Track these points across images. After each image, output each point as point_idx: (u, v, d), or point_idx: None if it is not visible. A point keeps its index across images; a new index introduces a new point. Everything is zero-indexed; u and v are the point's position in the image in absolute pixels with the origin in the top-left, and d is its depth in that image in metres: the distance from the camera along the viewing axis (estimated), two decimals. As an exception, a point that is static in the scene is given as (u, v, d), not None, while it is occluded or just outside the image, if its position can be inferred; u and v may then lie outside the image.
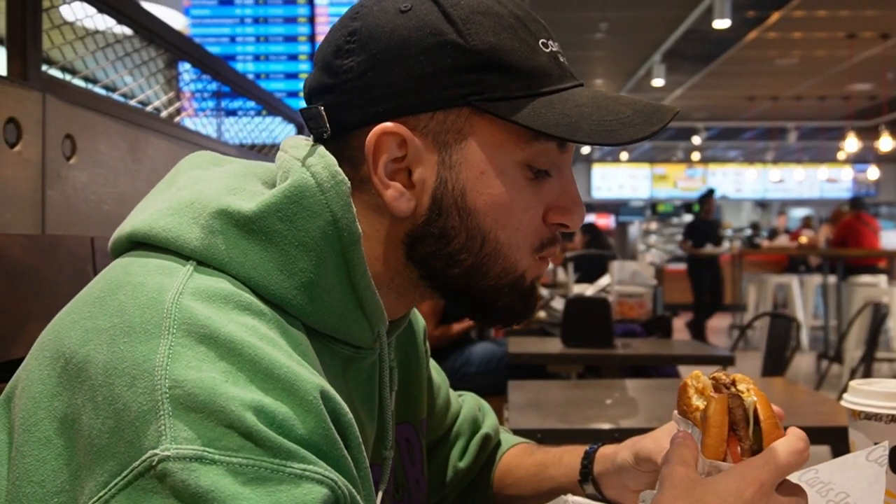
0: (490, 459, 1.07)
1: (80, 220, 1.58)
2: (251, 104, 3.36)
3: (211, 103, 3.04)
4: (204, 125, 2.98)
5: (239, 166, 0.73)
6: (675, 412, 0.75)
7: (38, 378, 0.59)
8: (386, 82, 0.68)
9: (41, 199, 1.45)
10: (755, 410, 0.69)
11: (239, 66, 4.69)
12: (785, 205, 18.05)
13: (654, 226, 17.38)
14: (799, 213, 17.42)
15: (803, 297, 9.09)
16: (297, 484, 0.53)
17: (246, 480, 0.51)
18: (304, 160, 0.68)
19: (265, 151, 3.45)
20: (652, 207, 17.93)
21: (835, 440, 1.79)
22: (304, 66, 4.81)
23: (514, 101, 0.69)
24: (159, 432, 0.52)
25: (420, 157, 0.70)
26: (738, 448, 0.69)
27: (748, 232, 15.28)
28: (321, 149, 0.69)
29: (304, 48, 4.82)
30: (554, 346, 3.06)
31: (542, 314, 3.77)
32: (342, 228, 0.66)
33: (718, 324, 10.98)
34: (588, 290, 4.03)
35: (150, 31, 2.14)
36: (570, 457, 0.98)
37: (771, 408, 0.70)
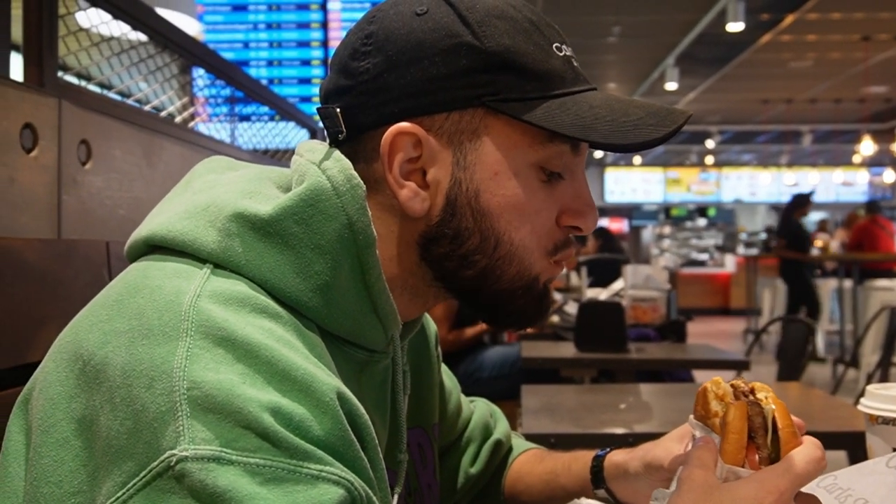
0: (501, 465, 1.07)
1: (95, 224, 1.59)
2: (264, 109, 3.37)
3: (224, 108, 3.06)
4: (217, 130, 2.99)
5: (254, 171, 0.74)
6: (692, 417, 0.75)
7: (56, 379, 0.59)
8: (401, 83, 0.69)
9: (57, 204, 1.46)
10: (773, 418, 0.69)
11: (252, 72, 4.71)
12: (800, 208, 17.92)
13: (667, 230, 17.31)
14: (813, 216, 17.31)
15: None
16: (314, 485, 0.53)
17: (263, 481, 0.52)
18: (319, 163, 0.68)
19: (278, 156, 3.46)
20: (665, 211, 17.86)
21: (851, 445, 1.78)
22: (317, 72, 4.83)
23: (528, 102, 0.69)
24: (177, 433, 0.52)
25: (435, 157, 0.70)
26: (756, 455, 0.69)
27: (763, 236, 15.20)
28: (337, 152, 0.70)
29: (316, 53, 4.84)
30: (567, 350, 3.05)
31: (555, 318, 3.76)
32: (357, 232, 0.67)
33: (732, 328, 10.93)
34: (601, 294, 4.02)
35: (165, 36, 2.16)
36: (579, 465, 0.98)
37: (789, 416, 0.70)
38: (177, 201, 0.70)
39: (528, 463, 1.06)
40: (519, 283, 0.73)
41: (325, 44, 4.84)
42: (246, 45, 4.88)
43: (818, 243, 10.24)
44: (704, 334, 9.22)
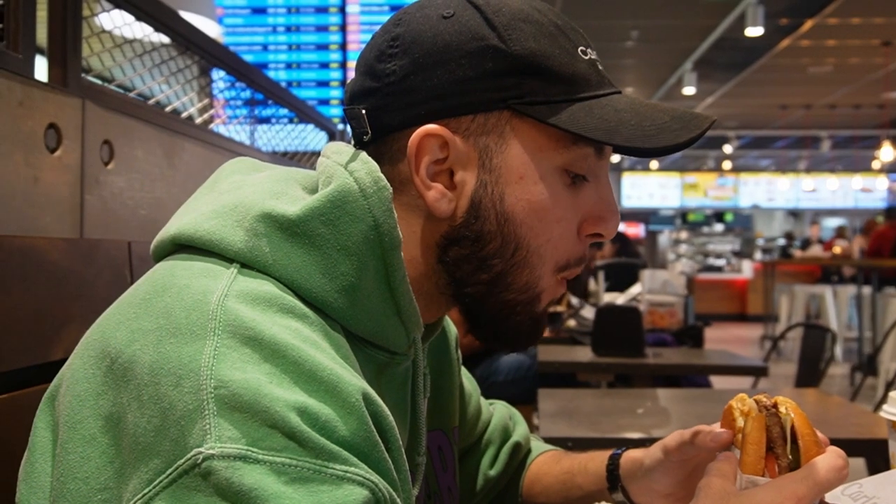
0: (520, 467, 1.07)
1: (117, 224, 1.61)
2: (283, 111, 3.38)
3: (244, 110, 3.07)
4: (237, 132, 3.01)
5: (280, 172, 0.74)
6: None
7: (84, 377, 0.60)
8: (428, 85, 0.69)
9: (80, 204, 1.47)
10: (792, 427, 0.69)
11: (271, 74, 4.73)
12: (818, 214, 17.82)
13: (684, 235, 17.24)
14: (832, 222, 17.19)
15: (837, 307, 8.96)
16: (339, 485, 0.53)
17: (288, 480, 0.52)
18: (347, 165, 0.69)
19: (297, 158, 3.48)
20: (682, 216, 17.79)
21: (870, 453, 1.76)
22: (335, 75, 4.85)
23: (553, 105, 0.69)
24: (204, 431, 0.52)
25: (461, 158, 0.70)
26: (776, 466, 0.68)
27: (781, 242, 15.10)
28: (363, 154, 0.70)
29: (335, 56, 4.86)
30: (584, 354, 3.04)
31: (571, 322, 3.76)
32: (383, 233, 0.67)
33: (749, 334, 10.86)
34: (619, 298, 4.01)
35: (187, 39, 2.17)
36: (595, 463, 0.98)
37: (810, 426, 0.69)
38: (203, 201, 0.71)
39: (546, 464, 1.06)
40: (524, 296, 0.73)
41: (343, 47, 4.86)
42: (265, 47, 4.90)
43: (836, 250, 10.16)
44: (721, 340, 9.18)
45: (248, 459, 0.52)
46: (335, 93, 4.81)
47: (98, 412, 0.57)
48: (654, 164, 17.53)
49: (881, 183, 16.92)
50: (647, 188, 17.61)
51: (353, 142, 0.75)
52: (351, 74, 0.80)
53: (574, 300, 4.09)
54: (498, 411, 1.10)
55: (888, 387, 4.76)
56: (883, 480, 0.77)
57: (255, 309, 0.59)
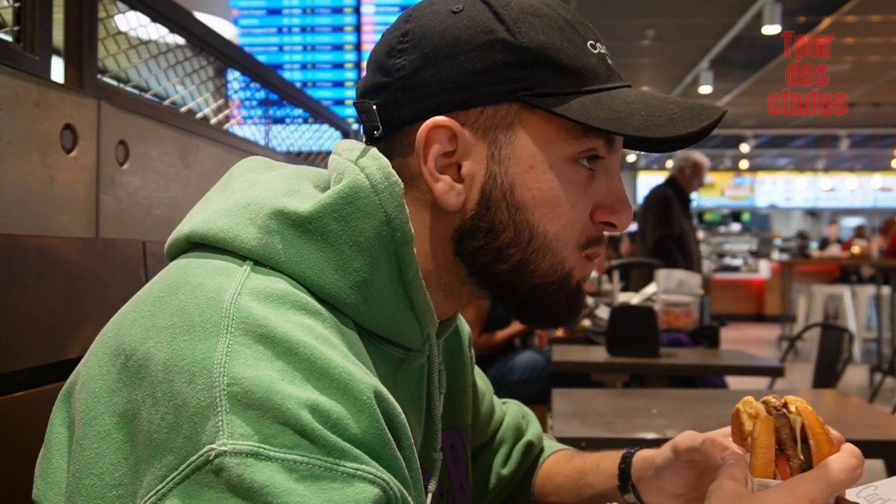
0: (532, 466, 1.07)
1: (132, 224, 1.62)
2: (298, 112, 3.40)
3: (259, 111, 3.08)
4: (252, 132, 3.02)
5: (292, 170, 0.75)
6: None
7: (99, 373, 0.60)
8: (437, 79, 0.70)
9: (95, 204, 1.48)
10: (803, 428, 0.68)
11: (286, 75, 4.75)
12: (836, 214, 17.66)
13: (700, 235, 17.12)
14: (851, 222, 17.03)
15: (855, 308, 8.88)
16: (350, 483, 0.53)
17: (300, 477, 0.52)
18: (358, 161, 0.69)
19: (311, 158, 3.49)
20: (699, 216, 17.68)
21: (889, 454, 1.75)
22: (350, 75, 4.86)
23: (562, 96, 0.69)
24: (217, 428, 0.52)
25: (470, 151, 0.71)
26: (788, 467, 0.67)
27: (798, 241, 14.98)
28: (374, 150, 0.71)
29: (350, 56, 4.87)
30: (598, 354, 3.03)
31: (586, 322, 3.74)
32: (395, 229, 0.67)
33: (766, 335, 10.79)
34: (634, 298, 4.00)
35: (201, 39, 2.18)
36: (607, 462, 0.97)
37: (821, 424, 0.68)
38: (217, 200, 0.71)
39: (558, 463, 1.06)
40: (553, 277, 0.73)
41: (358, 47, 4.87)
42: (280, 48, 4.92)
43: (855, 249, 10.08)
44: (738, 340, 9.12)
45: (259, 456, 0.52)
46: (350, 93, 4.82)
47: (113, 409, 0.58)
48: (669, 163, 17.44)
49: (900, 182, 16.76)
50: (662, 188, 17.47)
51: (363, 138, 0.75)
52: (365, 74, 0.80)
53: (589, 300, 4.08)
54: (511, 410, 1.10)
55: (907, 388, 4.71)
56: None
57: (268, 306, 0.60)
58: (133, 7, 1.78)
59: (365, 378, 0.58)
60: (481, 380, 1.04)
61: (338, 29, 4.89)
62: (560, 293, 0.74)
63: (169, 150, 1.80)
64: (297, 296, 0.62)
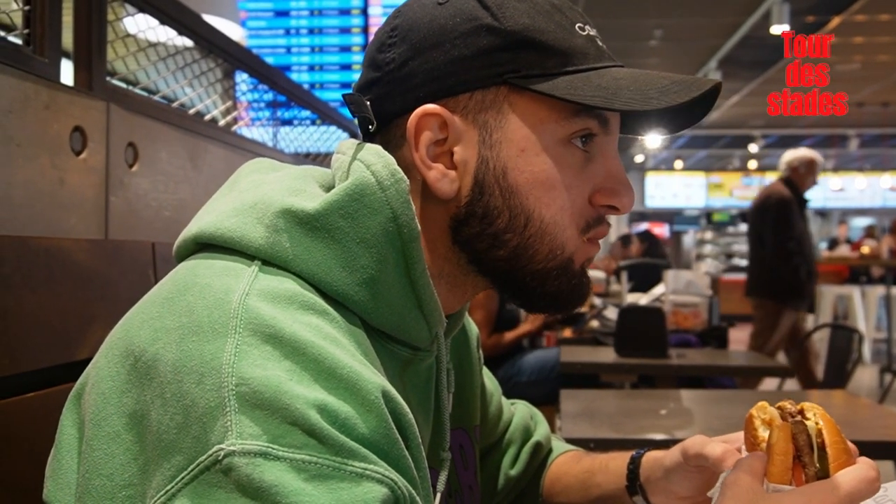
0: (541, 467, 1.07)
1: (141, 225, 1.62)
2: (306, 113, 3.40)
3: (267, 112, 3.09)
4: (260, 134, 3.03)
5: (297, 170, 0.75)
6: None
7: (108, 375, 0.61)
8: (425, 68, 0.70)
9: (104, 205, 1.49)
10: (820, 435, 0.67)
11: (294, 76, 4.76)
12: (845, 214, 17.58)
13: (709, 235, 17.08)
14: (860, 222, 16.95)
15: (865, 308, 8.84)
16: (358, 482, 0.53)
17: (308, 477, 0.52)
18: (363, 159, 0.69)
19: (319, 160, 3.49)
20: (707, 216, 17.63)
21: (900, 455, 1.74)
22: (357, 77, 4.86)
23: (550, 77, 0.69)
24: (225, 428, 0.53)
25: (461, 137, 0.71)
26: (803, 475, 0.67)
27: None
28: (379, 148, 0.71)
29: (357, 58, 4.87)
30: (607, 355, 3.03)
31: (594, 323, 3.74)
32: (402, 225, 0.67)
33: (776, 335, 10.72)
34: (642, 299, 3.99)
35: (209, 41, 2.19)
36: (616, 463, 0.97)
37: (839, 433, 0.67)
38: (224, 200, 0.72)
39: (566, 464, 1.06)
40: (553, 262, 0.72)
41: (365, 49, 4.87)
42: (288, 49, 4.93)
43: (864, 250, 10.02)
44: (746, 341, 9.07)
45: (268, 456, 0.52)
46: (358, 95, 4.82)
47: (122, 409, 0.58)
48: (678, 163, 17.39)
49: (910, 182, 16.67)
50: (671, 188, 17.46)
51: (360, 135, 0.76)
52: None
53: (597, 300, 4.07)
54: (519, 411, 1.10)
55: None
56: None
57: (276, 307, 0.60)
58: (142, 10, 1.79)
59: (373, 378, 0.58)
60: (489, 381, 1.04)
61: (345, 31, 4.90)
62: (562, 278, 0.74)
63: (178, 152, 1.81)
64: (304, 296, 0.62)
